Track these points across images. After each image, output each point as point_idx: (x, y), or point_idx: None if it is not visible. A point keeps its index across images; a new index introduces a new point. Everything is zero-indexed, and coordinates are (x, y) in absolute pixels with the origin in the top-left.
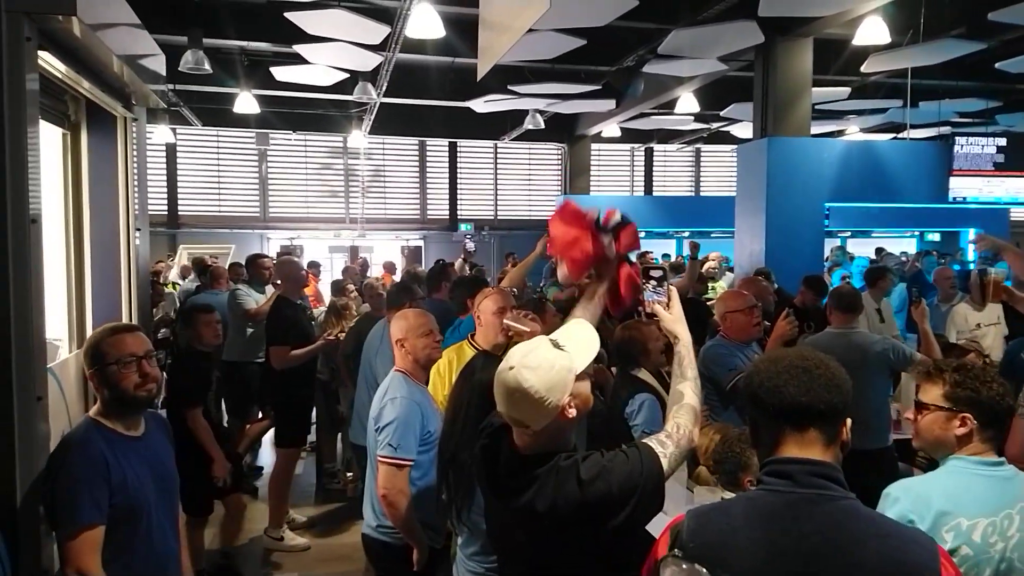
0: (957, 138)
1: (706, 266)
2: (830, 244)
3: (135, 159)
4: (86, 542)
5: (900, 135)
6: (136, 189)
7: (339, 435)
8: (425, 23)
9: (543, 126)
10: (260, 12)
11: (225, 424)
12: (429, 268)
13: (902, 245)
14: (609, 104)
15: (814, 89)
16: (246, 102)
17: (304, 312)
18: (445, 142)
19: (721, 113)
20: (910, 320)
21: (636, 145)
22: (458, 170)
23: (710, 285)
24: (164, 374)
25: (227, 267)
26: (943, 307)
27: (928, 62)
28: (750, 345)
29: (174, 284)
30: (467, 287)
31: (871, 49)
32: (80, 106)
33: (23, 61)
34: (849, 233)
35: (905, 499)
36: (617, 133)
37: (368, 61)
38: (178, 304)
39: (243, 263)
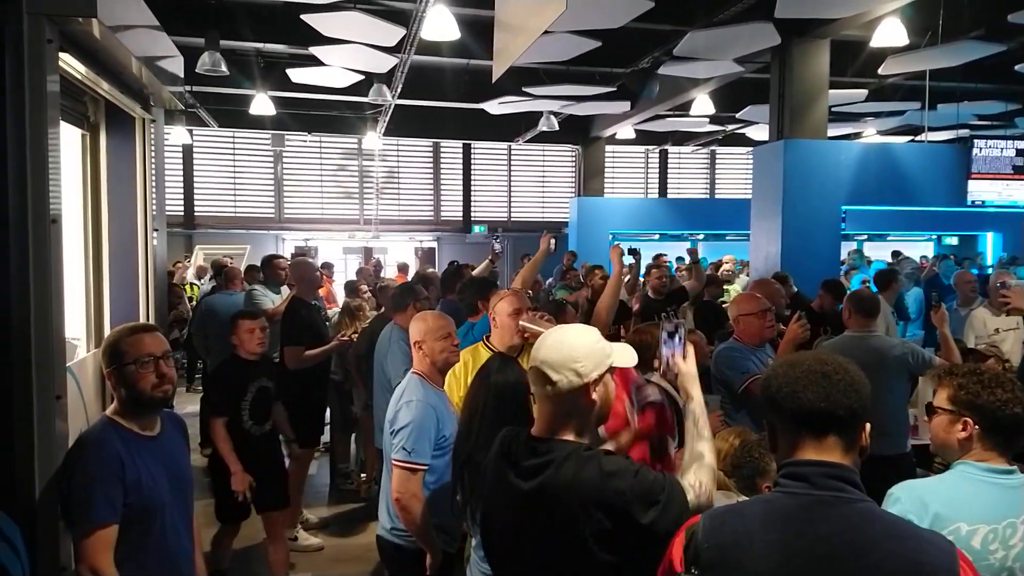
0: (976, 141)
1: (722, 269)
2: (846, 247)
3: (153, 160)
4: (100, 540)
5: (918, 138)
6: (154, 189)
7: (352, 436)
8: (440, 25)
9: (557, 128)
10: (276, 14)
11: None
12: (444, 269)
13: (919, 248)
14: (624, 106)
15: (831, 91)
16: (262, 104)
17: (319, 313)
18: (459, 144)
19: (737, 115)
20: (927, 324)
21: (651, 147)
22: (472, 172)
23: (725, 288)
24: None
25: (243, 269)
26: (962, 311)
27: (946, 64)
28: (763, 348)
29: (191, 285)
30: (477, 289)
31: (889, 51)
32: (99, 107)
33: (44, 63)
34: (866, 236)
35: (906, 499)
36: (632, 135)
37: (383, 63)
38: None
39: (258, 264)
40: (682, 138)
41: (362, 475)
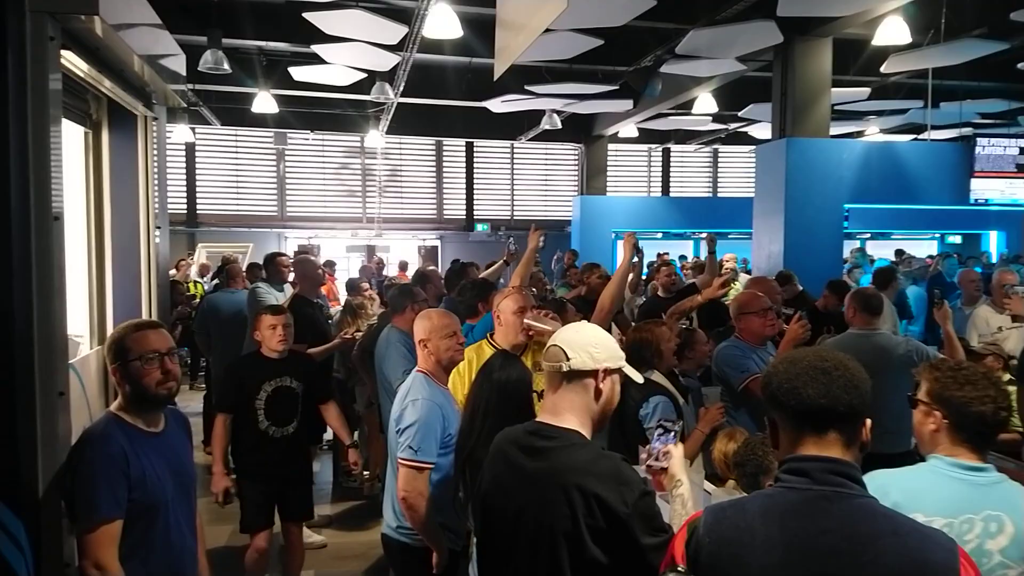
0: (979, 139)
1: (724, 268)
2: (849, 246)
3: (155, 158)
4: (104, 536)
5: (921, 136)
6: (156, 187)
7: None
8: (442, 23)
9: (560, 126)
10: (279, 12)
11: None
12: (447, 268)
13: (922, 247)
14: (626, 104)
15: (833, 89)
16: (264, 102)
17: (322, 311)
18: (462, 142)
19: (739, 114)
20: (930, 322)
21: (653, 145)
22: (475, 170)
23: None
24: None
25: (245, 267)
26: (966, 310)
27: (949, 62)
28: (765, 346)
29: (196, 283)
30: (477, 291)
31: (891, 49)
32: (102, 105)
33: (47, 60)
34: (869, 235)
35: (868, 486)
36: (634, 133)
37: (386, 61)
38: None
39: (261, 262)
40: (685, 136)
41: (365, 473)
